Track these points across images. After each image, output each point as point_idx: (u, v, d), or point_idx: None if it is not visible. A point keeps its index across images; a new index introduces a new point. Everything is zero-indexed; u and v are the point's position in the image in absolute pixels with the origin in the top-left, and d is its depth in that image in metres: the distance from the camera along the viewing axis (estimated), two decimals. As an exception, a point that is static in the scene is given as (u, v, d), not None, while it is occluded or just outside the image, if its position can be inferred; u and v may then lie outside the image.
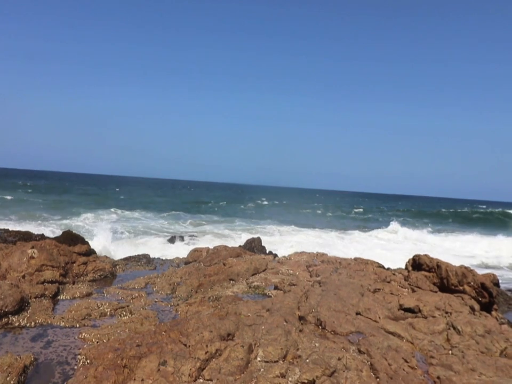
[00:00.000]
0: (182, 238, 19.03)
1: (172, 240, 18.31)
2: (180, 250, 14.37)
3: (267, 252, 12.94)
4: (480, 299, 7.02)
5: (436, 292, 7.42)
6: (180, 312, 6.27)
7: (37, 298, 6.24)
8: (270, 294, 6.98)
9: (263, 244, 13.43)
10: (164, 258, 10.75)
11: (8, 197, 44.19)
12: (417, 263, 8.43)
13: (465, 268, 7.50)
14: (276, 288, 7.36)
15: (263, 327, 5.01)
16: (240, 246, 12.28)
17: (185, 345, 4.48)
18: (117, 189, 71.77)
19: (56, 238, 9.67)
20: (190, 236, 20.93)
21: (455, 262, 8.20)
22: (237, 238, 21.50)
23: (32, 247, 7.10)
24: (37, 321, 5.53)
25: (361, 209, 60.02)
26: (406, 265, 8.89)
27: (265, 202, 61.67)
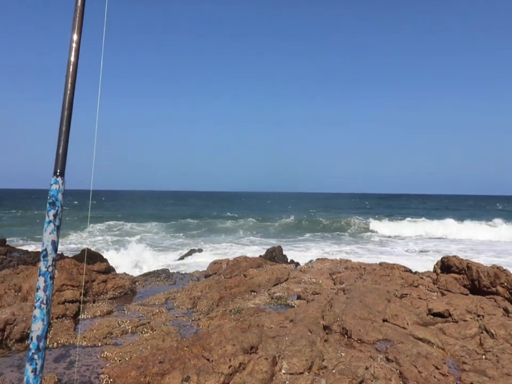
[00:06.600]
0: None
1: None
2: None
3: (288, 260, 12.76)
4: (514, 300, 6.71)
5: (466, 294, 7.14)
6: (201, 326, 6.17)
7: (58, 319, 6.23)
8: (293, 304, 6.82)
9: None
10: (183, 272, 10.69)
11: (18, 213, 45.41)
12: (446, 265, 8.16)
13: (498, 267, 7.19)
14: (298, 297, 7.20)
15: (286, 338, 4.86)
16: (260, 256, 12.14)
17: (208, 360, 4.37)
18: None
19: (75, 257, 9.76)
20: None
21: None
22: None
23: (53, 267, 7.11)
24: (59, 341, 5.50)
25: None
26: (435, 267, 8.62)
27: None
